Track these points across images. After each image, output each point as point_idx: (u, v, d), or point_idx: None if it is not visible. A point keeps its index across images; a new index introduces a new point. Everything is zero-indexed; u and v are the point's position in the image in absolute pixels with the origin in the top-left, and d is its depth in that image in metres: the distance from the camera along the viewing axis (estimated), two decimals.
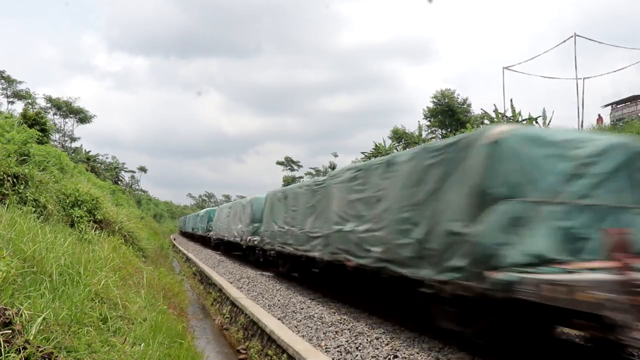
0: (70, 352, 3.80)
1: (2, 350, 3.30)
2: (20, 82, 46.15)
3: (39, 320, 3.74)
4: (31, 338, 3.54)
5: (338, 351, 6.83)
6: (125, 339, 4.92)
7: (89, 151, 54.83)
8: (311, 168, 61.79)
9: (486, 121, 33.08)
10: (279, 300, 11.06)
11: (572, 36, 18.24)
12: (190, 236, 46.95)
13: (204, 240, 35.98)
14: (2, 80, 45.13)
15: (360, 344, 6.93)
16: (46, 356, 3.52)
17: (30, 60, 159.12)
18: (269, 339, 8.32)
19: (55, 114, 50.16)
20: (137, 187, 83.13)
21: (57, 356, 3.60)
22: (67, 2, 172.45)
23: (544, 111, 27.48)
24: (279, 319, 9.24)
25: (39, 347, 3.52)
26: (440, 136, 40.33)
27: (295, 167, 73.98)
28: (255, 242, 17.42)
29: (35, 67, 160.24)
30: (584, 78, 19.29)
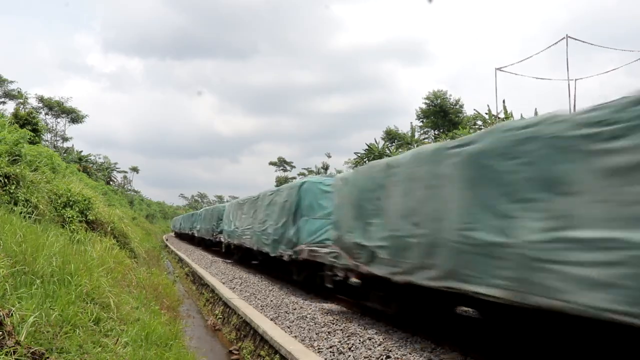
0: (61, 353, 3.78)
1: None
2: (11, 82, 45.81)
3: (30, 321, 3.72)
4: (22, 339, 3.52)
5: (331, 352, 6.84)
6: (118, 340, 4.90)
7: (81, 151, 54.44)
8: (304, 168, 61.81)
9: (479, 122, 33.23)
10: (271, 300, 11.07)
11: (563, 37, 18.34)
12: (180, 235, 49.78)
13: (191, 239, 38.56)
14: None
15: (352, 344, 6.94)
16: (37, 357, 3.51)
17: (27, 61, 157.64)
18: (262, 340, 8.32)
19: (47, 114, 49.81)
20: (129, 188, 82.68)
21: (48, 357, 3.58)
22: (67, 2, 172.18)
23: (535, 112, 27.69)
24: (271, 319, 9.24)
25: (30, 348, 3.50)
26: (433, 137, 40.40)
27: (288, 168, 73.97)
28: (220, 238, 23.83)
29: (31, 67, 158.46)
30: (575, 79, 19.34)
